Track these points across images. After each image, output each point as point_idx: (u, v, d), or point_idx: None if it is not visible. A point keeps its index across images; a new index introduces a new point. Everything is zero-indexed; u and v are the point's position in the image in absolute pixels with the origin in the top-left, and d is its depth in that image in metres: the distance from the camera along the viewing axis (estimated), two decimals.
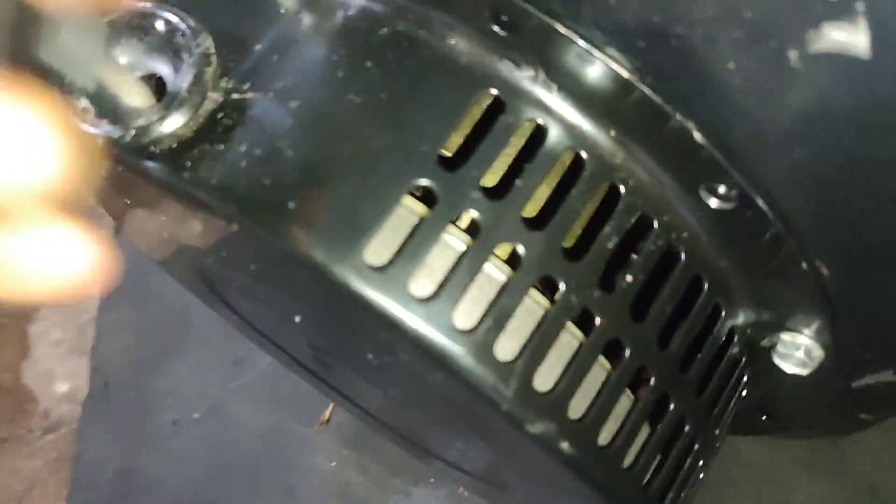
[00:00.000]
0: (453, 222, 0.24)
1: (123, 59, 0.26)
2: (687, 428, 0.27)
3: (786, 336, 0.28)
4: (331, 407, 0.59)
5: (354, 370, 0.35)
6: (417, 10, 0.25)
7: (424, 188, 0.24)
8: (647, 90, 0.24)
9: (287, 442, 0.59)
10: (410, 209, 0.24)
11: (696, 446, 0.28)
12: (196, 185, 0.24)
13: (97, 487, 0.64)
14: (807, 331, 0.28)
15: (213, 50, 0.26)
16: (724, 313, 0.27)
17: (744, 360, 0.29)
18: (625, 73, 0.24)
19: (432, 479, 0.53)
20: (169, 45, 0.26)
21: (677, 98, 0.24)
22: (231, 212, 0.24)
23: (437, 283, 0.23)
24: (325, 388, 0.47)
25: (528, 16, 0.24)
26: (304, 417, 0.60)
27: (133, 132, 0.24)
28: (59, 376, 0.76)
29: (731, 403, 0.29)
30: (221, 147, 0.25)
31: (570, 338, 0.24)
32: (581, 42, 0.24)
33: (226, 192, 0.24)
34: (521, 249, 0.24)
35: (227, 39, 0.26)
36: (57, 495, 0.67)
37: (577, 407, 0.24)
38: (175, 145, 0.25)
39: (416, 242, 0.23)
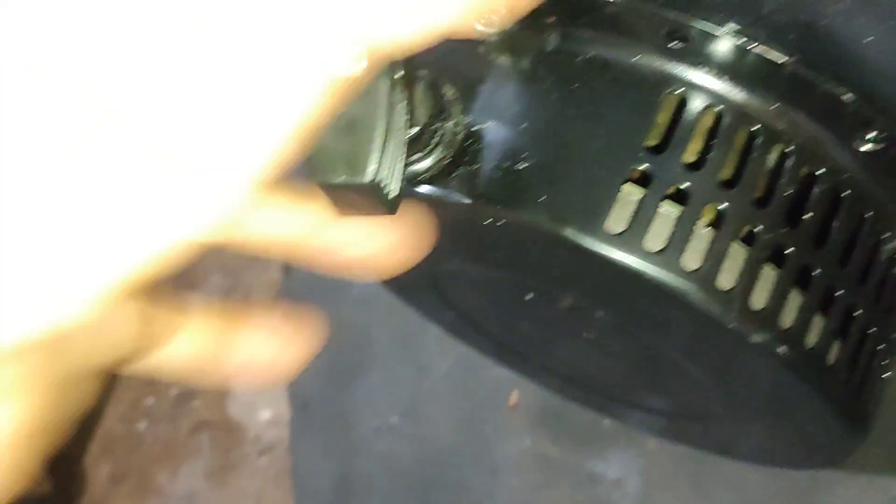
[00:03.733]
0: (666, 194, 0.31)
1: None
2: (870, 330, 0.33)
3: None
4: (516, 393, 0.67)
5: (578, 337, 0.42)
6: (605, 40, 0.33)
7: (640, 171, 0.31)
8: (798, 68, 0.31)
9: (482, 429, 0.67)
10: (629, 189, 0.31)
11: (880, 347, 0.34)
12: (468, 196, 0.32)
13: (320, 493, 0.73)
14: None
15: (457, 94, 0.34)
16: (886, 235, 0.34)
17: None
18: (778, 59, 0.31)
19: (621, 441, 0.60)
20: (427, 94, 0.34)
21: (824, 69, 0.31)
22: (498, 211, 0.32)
23: (664, 240, 0.30)
24: (531, 368, 0.54)
25: (696, 30, 0.31)
26: (493, 405, 0.68)
27: (424, 164, 0.33)
28: (260, 405, 0.86)
29: None
30: (477, 166, 0.33)
31: (769, 269, 0.31)
32: (740, 41, 0.31)
33: (490, 197, 0.32)
34: (722, 206, 0.31)
35: (459, 84, 0.34)
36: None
37: (785, 320, 0.31)
38: (441, 171, 0.33)
39: (644, 211, 0.31)
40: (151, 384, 0.96)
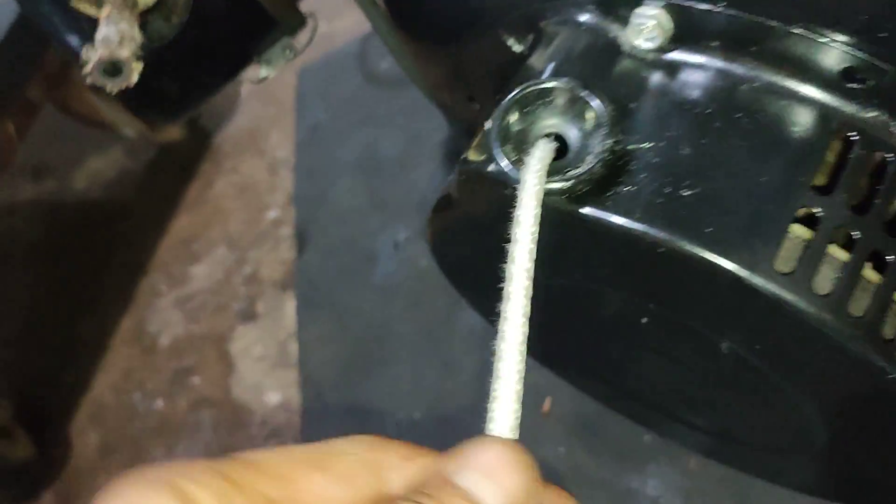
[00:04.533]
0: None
1: (537, 123, 0.33)
2: None
3: None
4: (549, 399, 0.66)
5: (649, 348, 0.42)
6: (775, 71, 0.32)
7: (806, 211, 0.30)
8: None
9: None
10: (795, 229, 0.30)
11: None
12: (626, 217, 0.31)
13: None
14: None
15: (604, 110, 0.33)
16: None
17: None
18: None
19: (661, 458, 0.60)
20: (572, 109, 0.33)
21: None
22: (659, 237, 0.30)
23: (832, 284, 0.30)
24: (574, 371, 0.54)
25: (881, 72, 0.30)
26: (524, 411, 0.67)
27: (568, 182, 0.31)
28: (268, 388, 0.84)
29: None
30: (633, 188, 0.32)
31: None
32: None
33: (649, 223, 0.31)
34: (890, 256, 0.30)
35: (608, 100, 0.33)
36: None
37: None
38: (594, 188, 0.32)
39: (812, 253, 0.30)
40: (147, 355, 0.93)
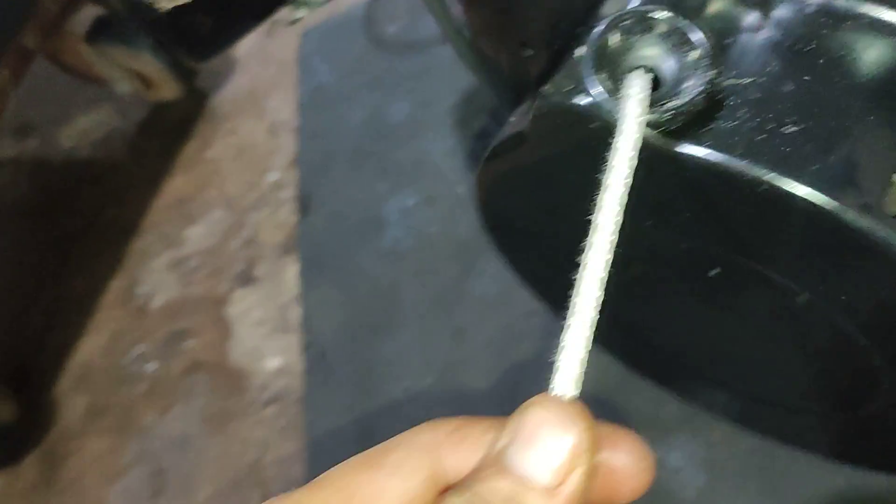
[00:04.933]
0: None
1: (632, 53, 0.31)
2: None
3: None
4: None
5: (696, 303, 0.41)
6: (878, 8, 0.31)
7: None
8: None
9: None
10: None
11: None
12: (726, 153, 0.30)
13: (338, 450, 0.69)
14: None
15: (705, 42, 0.31)
16: None
17: None
18: None
19: (684, 429, 0.59)
20: (670, 40, 0.31)
21: None
22: (763, 175, 0.29)
23: None
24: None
25: None
26: (540, 379, 0.65)
27: (666, 114, 0.30)
28: (268, 353, 0.81)
29: None
30: (733, 123, 0.30)
31: None
32: None
33: (752, 159, 0.29)
34: None
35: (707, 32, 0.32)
36: (292, 459, 0.73)
37: None
38: (690, 122, 0.30)
39: None
40: (139, 317, 0.90)
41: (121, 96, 1.04)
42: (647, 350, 0.53)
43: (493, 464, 0.23)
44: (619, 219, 0.27)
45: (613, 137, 0.28)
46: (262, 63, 1.05)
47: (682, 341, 0.49)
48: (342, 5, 1.01)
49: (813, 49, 0.31)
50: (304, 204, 0.88)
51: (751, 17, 0.32)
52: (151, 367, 0.85)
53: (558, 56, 0.39)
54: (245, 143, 0.99)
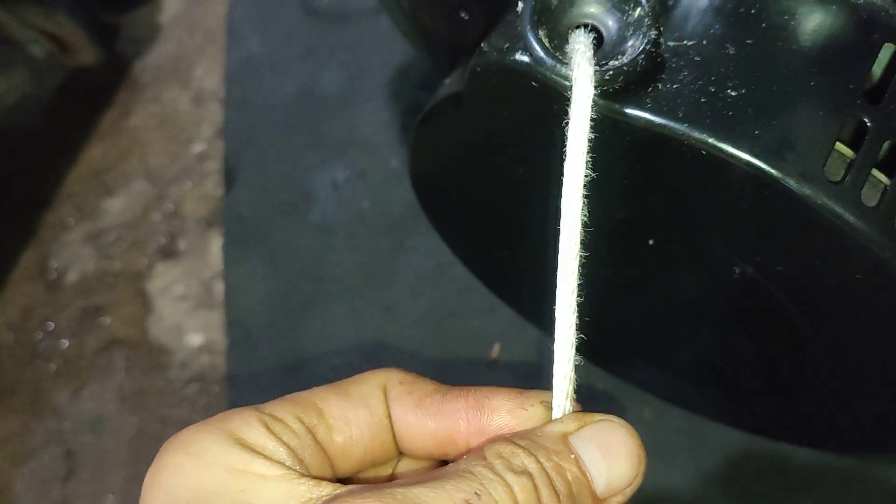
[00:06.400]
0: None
1: (574, 9, 0.30)
2: None
3: None
4: (497, 346, 0.64)
5: (643, 280, 0.40)
6: None
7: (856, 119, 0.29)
8: None
9: (459, 381, 0.63)
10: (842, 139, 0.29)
11: None
12: (667, 116, 0.29)
13: None
14: None
15: (648, 3, 0.30)
16: None
17: None
18: None
19: (615, 407, 0.58)
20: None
21: None
22: (704, 139, 0.28)
23: (880, 194, 0.28)
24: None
25: None
26: (471, 357, 0.64)
27: (607, 74, 0.29)
28: (190, 329, 0.78)
29: None
30: (675, 86, 0.29)
31: None
32: None
33: (693, 122, 0.28)
34: None
35: None
36: None
37: None
38: (632, 84, 0.29)
39: (861, 162, 0.28)
40: (51, 291, 0.86)
41: (35, 60, 0.98)
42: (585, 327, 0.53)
43: (559, 444, 0.25)
44: (581, 203, 0.26)
45: (561, 101, 0.27)
46: (188, 30, 1.01)
47: (615, 316, 0.48)
48: None
49: (756, 13, 0.30)
50: (230, 176, 0.84)
51: None
52: (64, 343, 0.81)
53: (496, 18, 0.38)
54: (168, 113, 0.94)
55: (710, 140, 0.28)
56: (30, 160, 0.96)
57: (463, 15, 0.45)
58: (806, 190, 0.28)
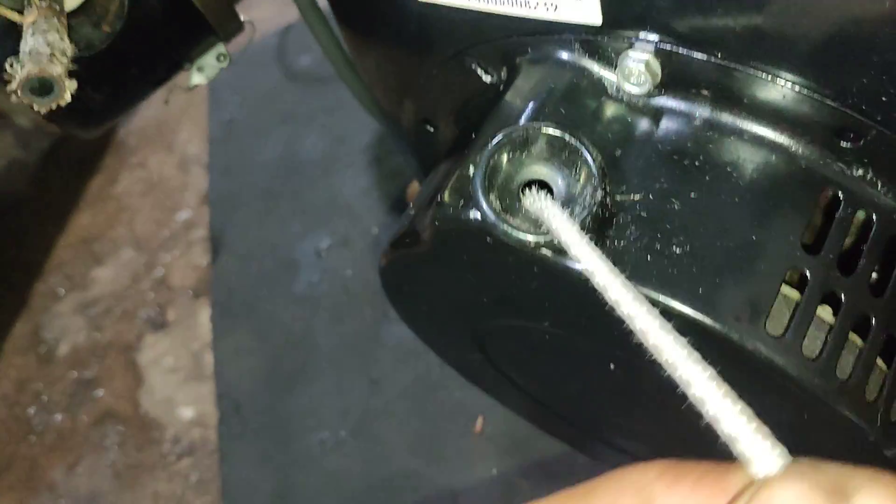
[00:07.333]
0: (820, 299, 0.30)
1: (523, 170, 0.31)
2: None
3: None
4: (481, 418, 0.65)
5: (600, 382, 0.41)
6: (766, 125, 0.32)
7: (796, 272, 0.30)
8: None
9: (443, 454, 0.64)
10: (785, 290, 0.30)
11: None
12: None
13: None
14: None
15: (596, 161, 0.31)
16: None
17: None
18: None
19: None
20: (560, 156, 0.31)
21: None
22: (650, 297, 0.29)
23: (819, 347, 0.29)
24: (514, 395, 0.53)
25: (874, 131, 0.30)
26: (455, 429, 0.66)
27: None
28: (181, 402, 0.79)
29: None
30: (622, 243, 0.30)
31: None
32: None
33: (640, 280, 0.30)
34: (874, 320, 0.30)
35: (597, 149, 0.32)
36: None
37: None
38: None
39: (801, 315, 0.29)
40: (44, 364, 0.87)
41: (20, 127, 0.99)
42: (553, 416, 0.54)
43: None
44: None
45: (513, 254, 0.29)
46: (171, 92, 1.02)
47: (590, 409, 0.50)
48: (253, 36, 0.99)
49: (700, 165, 0.31)
50: (216, 245, 0.86)
51: (640, 130, 0.33)
52: (58, 418, 0.82)
53: (464, 134, 0.39)
54: (154, 179, 0.96)
55: (657, 297, 0.29)
56: (18, 227, 0.98)
57: (426, 126, 0.46)
58: (749, 344, 0.29)
